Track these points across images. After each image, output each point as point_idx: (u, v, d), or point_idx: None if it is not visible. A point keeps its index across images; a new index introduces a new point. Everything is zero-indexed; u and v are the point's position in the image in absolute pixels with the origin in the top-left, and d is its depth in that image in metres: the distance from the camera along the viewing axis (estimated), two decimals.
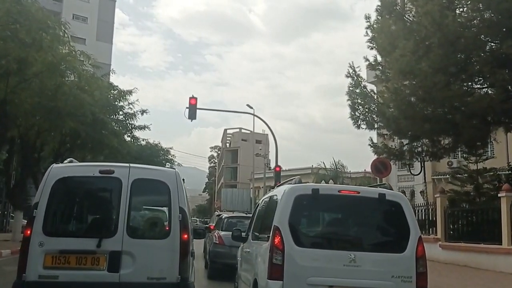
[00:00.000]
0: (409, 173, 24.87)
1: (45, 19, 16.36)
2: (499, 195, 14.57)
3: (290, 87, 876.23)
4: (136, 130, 28.86)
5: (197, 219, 51.44)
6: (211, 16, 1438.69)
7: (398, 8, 16.49)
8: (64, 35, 17.69)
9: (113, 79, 29.45)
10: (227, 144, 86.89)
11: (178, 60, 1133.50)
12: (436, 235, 17.89)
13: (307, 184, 6.96)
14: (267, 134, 58.13)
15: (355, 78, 18.09)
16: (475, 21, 14.13)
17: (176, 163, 40.31)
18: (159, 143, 39.93)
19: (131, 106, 26.55)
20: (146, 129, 28.78)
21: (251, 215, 11.21)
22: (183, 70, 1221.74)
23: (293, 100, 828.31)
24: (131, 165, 6.04)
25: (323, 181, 30.24)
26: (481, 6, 13.60)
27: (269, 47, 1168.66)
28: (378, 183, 13.47)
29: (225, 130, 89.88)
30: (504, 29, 13.72)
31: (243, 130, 73.41)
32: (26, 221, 7.68)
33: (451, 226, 17.48)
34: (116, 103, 25.97)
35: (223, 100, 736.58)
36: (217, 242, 12.55)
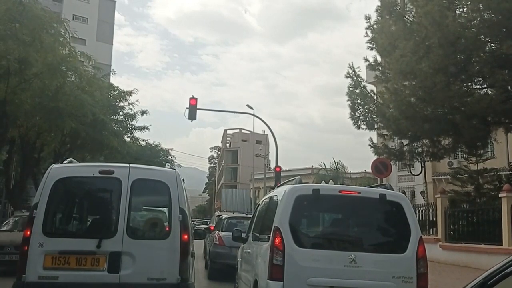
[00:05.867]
0: (409, 173, 24.85)
1: (48, 19, 16.33)
2: (499, 195, 14.56)
3: (288, 87, 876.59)
4: (136, 131, 28.90)
5: (202, 220, 50.66)
6: (206, 16, 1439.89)
7: (398, 8, 16.49)
8: (66, 34, 17.69)
9: (111, 79, 29.48)
10: (227, 145, 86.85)
11: (174, 60, 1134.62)
12: (437, 236, 17.88)
13: (308, 184, 6.94)
14: (267, 135, 58.20)
15: (355, 78, 18.09)
16: (475, 21, 14.11)
17: (176, 163, 40.37)
18: (159, 144, 39.99)
19: (131, 106, 26.60)
20: (145, 130, 28.83)
21: (251, 215, 11.21)
22: (180, 70, 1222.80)
23: (291, 100, 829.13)
24: (131, 165, 6.03)
25: (323, 182, 30.20)
26: (481, 6, 13.58)
27: (266, 47, 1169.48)
28: (379, 184, 13.45)
29: (225, 130, 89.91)
30: (504, 29, 13.70)
31: (243, 131, 73.47)
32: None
33: (452, 227, 17.47)
34: (116, 103, 25.99)
35: (221, 100, 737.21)
36: (217, 243, 12.56)
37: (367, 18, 17.32)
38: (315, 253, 5.71)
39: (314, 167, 55.56)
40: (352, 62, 18.35)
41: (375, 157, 18.10)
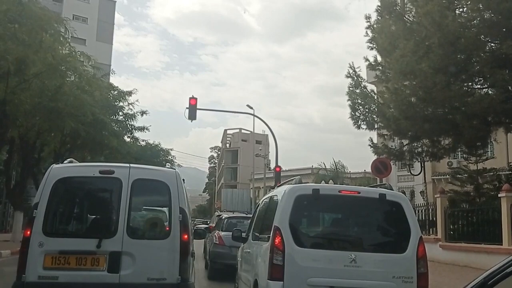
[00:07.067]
0: (409, 173, 24.88)
1: (48, 19, 16.31)
2: (499, 195, 14.56)
3: (287, 87, 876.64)
4: (136, 131, 28.92)
5: (202, 220, 50.33)
6: (205, 16, 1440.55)
7: (398, 8, 16.50)
8: (66, 33, 17.68)
9: (111, 79, 29.49)
10: (227, 145, 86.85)
11: (174, 60, 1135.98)
12: (436, 235, 17.87)
13: (308, 184, 6.94)
14: (267, 135, 58.20)
15: (355, 78, 18.11)
16: (475, 21, 14.12)
17: (176, 163, 40.33)
18: (159, 144, 39.97)
19: (130, 106, 26.62)
20: (145, 130, 28.85)
21: (251, 215, 11.21)
22: (179, 70, 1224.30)
23: (290, 100, 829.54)
24: (131, 165, 6.02)
25: (323, 181, 30.19)
26: (481, 6, 13.58)
27: (265, 47, 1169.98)
28: (379, 183, 13.45)
29: (225, 130, 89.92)
30: (504, 29, 13.71)
31: (243, 131, 73.50)
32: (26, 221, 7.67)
33: (451, 226, 17.45)
34: (116, 103, 26.00)
35: (220, 100, 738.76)
36: (217, 243, 12.55)
37: (367, 17, 17.36)
38: (315, 253, 5.71)
39: (314, 167, 55.64)
40: (352, 62, 18.43)
41: (375, 157, 18.09)
